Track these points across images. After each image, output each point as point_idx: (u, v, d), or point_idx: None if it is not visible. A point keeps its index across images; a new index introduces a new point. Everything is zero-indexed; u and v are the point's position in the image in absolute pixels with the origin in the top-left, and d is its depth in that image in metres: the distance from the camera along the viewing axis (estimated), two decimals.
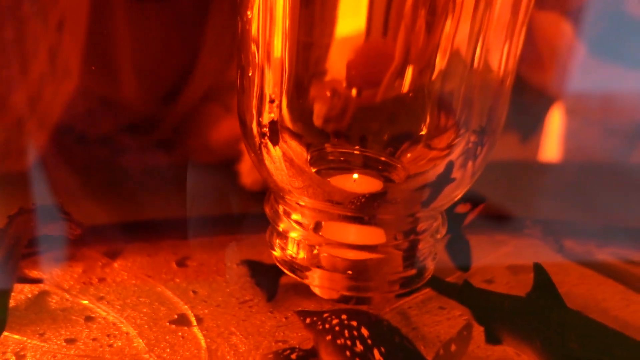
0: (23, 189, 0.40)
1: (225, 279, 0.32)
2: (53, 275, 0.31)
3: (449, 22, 0.22)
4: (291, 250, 0.27)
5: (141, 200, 0.43)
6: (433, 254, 0.27)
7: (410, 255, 0.25)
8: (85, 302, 0.29)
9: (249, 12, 0.23)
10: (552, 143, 0.61)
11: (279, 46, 0.23)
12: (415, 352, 0.21)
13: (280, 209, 0.27)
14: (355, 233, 0.24)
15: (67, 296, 0.29)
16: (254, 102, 0.24)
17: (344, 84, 0.23)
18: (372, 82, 0.23)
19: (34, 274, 0.31)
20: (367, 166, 0.24)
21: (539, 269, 0.24)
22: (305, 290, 0.29)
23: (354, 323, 0.22)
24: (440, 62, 0.22)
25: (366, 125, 0.24)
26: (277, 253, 0.28)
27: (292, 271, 0.27)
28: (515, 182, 0.46)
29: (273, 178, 0.26)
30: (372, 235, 0.24)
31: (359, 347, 0.21)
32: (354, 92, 0.23)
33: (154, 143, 0.60)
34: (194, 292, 0.30)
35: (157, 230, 0.37)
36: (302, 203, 0.25)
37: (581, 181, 0.44)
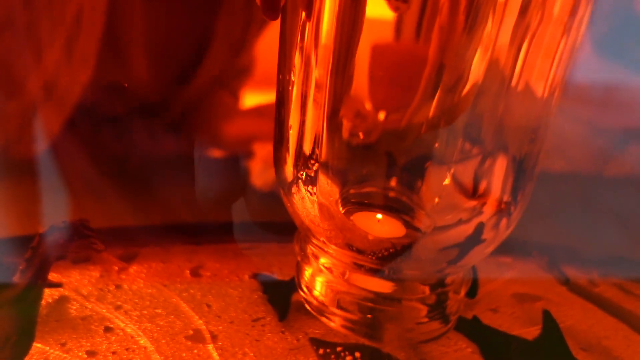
0: (33, 176, 0.41)
1: (237, 293, 0.33)
2: (71, 280, 0.32)
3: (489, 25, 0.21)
4: (318, 291, 0.27)
5: (152, 195, 0.44)
6: (458, 305, 0.27)
7: (435, 307, 0.26)
8: (103, 310, 0.30)
9: (290, 76, 0.23)
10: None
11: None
12: None
13: (309, 249, 0.28)
14: (380, 284, 0.25)
15: (87, 304, 0.30)
16: (291, 153, 0.25)
17: (372, 106, 0.23)
18: (400, 101, 0.23)
19: (53, 277, 0.32)
20: (391, 209, 0.24)
21: (547, 317, 0.25)
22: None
23: (358, 354, 0.23)
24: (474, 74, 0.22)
25: (393, 146, 0.24)
26: (303, 293, 0.29)
27: (319, 313, 0.28)
28: None
29: (301, 219, 0.26)
30: (396, 286, 0.25)
31: None
32: (381, 115, 0.23)
33: (164, 127, 0.60)
34: (208, 305, 0.31)
35: (170, 235, 0.38)
36: (330, 251, 0.26)
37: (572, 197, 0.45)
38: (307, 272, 0.28)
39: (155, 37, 0.54)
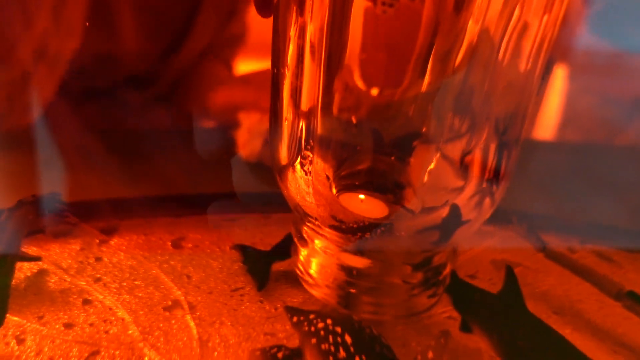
0: (26, 148, 0.41)
1: (218, 264, 0.33)
2: (51, 253, 0.32)
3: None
4: (312, 270, 0.28)
5: (136, 168, 0.43)
6: (442, 284, 0.28)
7: (418, 286, 0.26)
8: (82, 283, 0.30)
9: (284, 69, 0.23)
10: (550, 111, 0.61)
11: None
12: (381, 344, 0.23)
13: (304, 231, 0.28)
14: (366, 263, 0.25)
15: (66, 277, 0.30)
16: (285, 139, 0.25)
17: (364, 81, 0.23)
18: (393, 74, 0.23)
19: (32, 251, 0.32)
20: (382, 189, 0.25)
21: (509, 272, 0.26)
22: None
23: (339, 329, 0.23)
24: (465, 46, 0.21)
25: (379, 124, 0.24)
26: (299, 272, 0.29)
27: (309, 286, 0.28)
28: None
29: (296, 201, 0.26)
30: (382, 266, 0.25)
31: (342, 353, 0.23)
32: (373, 90, 0.23)
33: (153, 98, 0.59)
34: (188, 276, 0.32)
35: (153, 207, 0.38)
36: (324, 233, 0.26)
37: (571, 171, 0.45)
38: (303, 252, 0.28)
39: (144, 4, 0.53)
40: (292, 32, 0.24)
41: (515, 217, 0.35)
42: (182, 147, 0.48)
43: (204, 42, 0.59)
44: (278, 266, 0.32)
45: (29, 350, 0.25)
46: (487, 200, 0.26)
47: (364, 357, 0.22)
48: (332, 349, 0.23)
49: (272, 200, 0.34)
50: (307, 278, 0.29)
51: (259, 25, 0.61)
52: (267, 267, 0.32)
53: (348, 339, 0.23)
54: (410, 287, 0.26)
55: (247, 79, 0.60)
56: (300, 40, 0.24)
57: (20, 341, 0.26)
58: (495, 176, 0.25)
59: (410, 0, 0.21)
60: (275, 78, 0.26)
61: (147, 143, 0.48)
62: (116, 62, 0.55)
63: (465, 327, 0.27)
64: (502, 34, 0.22)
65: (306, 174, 0.25)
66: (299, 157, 0.25)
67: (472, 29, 0.21)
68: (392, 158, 0.25)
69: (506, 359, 0.24)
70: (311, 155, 0.25)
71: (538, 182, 0.43)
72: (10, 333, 0.26)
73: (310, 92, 0.24)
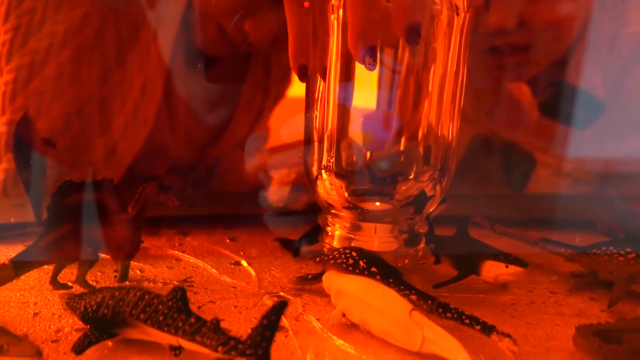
0: None
1: (264, 248, 0.47)
2: (148, 243, 0.46)
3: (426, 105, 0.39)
4: (334, 242, 0.43)
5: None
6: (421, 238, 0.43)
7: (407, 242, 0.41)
8: (173, 251, 0.44)
9: (315, 112, 0.41)
10: None
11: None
12: (385, 262, 0.36)
13: (329, 219, 0.43)
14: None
15: (161, 250, 0.44)
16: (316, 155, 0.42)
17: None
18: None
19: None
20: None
21: (461, 221, 0.40)
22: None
23: (347, 251, 0.37)
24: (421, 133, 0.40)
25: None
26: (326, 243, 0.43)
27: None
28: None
29: (323, 200, 0.42)
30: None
31: (350, 260, 0.36)
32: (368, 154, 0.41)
33: (193, 182, 0.75)
34: (243, 252, 0.45)
35: (215, 222, 0.53)
36: (342, 214, 0.42)
37: None
38: (328, 230, 0.43)
39: (193, 108, 0.70)
40: (317, 95, 0.41)
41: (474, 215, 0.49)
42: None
43: (237, 138, 0.76)
44: (305, 248, 0.46)
45: (148, 277, 0.39)
46: (438, 187, 0.42)
47: (365, 260, 0.36)
48: (344, 259, 0.36)
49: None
50: (328, 247, 0.42)
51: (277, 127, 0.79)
52: (298, 245, 0.46)
53: (354, 253, 0.36)
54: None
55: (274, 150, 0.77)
56: (322, 104, 0.41)
57: (142, 271, 0.39)
58: (441, 175, 0.42)
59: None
60: (307, 121, 0.43)
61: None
62: (167, 152, 0.71)
63: (437, 260, 0.41)
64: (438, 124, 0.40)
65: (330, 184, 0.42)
66: (322, 175, 0.42)
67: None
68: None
69: (457, 268, 0.38)
70: (330, 174, 0.41)
71: None
72: (133, 268, 0.40)
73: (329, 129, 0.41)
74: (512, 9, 0.52)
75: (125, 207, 0.38)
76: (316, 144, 0.42)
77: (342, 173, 0.42)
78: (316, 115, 0.42)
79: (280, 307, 0.25)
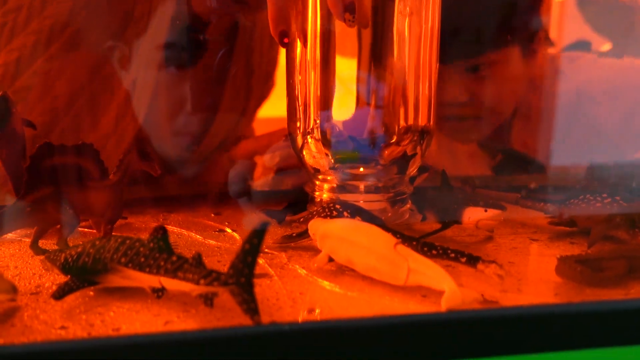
0: None
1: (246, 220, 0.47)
2: (132, 219, 0.46)
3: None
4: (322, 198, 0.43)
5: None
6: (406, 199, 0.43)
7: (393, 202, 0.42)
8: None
9: (297, 78, 0.42)
10: None
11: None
12: (369, 212, 0.36)
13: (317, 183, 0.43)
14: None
15: (144, 225, 0.44)
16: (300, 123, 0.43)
17: None
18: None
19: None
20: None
21: (443, 173, 0.40)
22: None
23: (331, 204, 0.37)
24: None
25: None
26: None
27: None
28: None
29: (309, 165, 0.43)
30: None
31: (334, 212, 0.36)
32: None
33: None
34: (228, 222, 0.45)
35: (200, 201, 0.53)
36: (329, 178, 0.42)
37: None
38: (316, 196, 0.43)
39: (177, 111, 0.70)
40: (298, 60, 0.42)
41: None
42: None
43: (219, 139, 0.76)
44: (290, 218, 0.46)
45: None
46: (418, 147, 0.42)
47: (349, 210, 0.36)
48: (328, 212, 0.36)
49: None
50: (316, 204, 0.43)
51: (262, 129, 0.79)
52: (284, 214, 0.46)
53: (338, 206, 0.37)
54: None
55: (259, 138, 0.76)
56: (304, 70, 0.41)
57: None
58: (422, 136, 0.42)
59: None
60: (289, 89, 0.43)
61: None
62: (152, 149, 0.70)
63: (423, 217, 0.41)
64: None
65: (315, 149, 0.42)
66: (307, 142, 0.42)
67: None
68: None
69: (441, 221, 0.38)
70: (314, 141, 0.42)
71: None
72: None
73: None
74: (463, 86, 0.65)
75: (107, 174, 0.38)
76: (299, 110, 0.43)
77: (327, 140, 0.42)
78: (298, 82, 0.42)
79: (261, 230, 0.25)
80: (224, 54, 0.68)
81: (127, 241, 0.29)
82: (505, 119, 0.71)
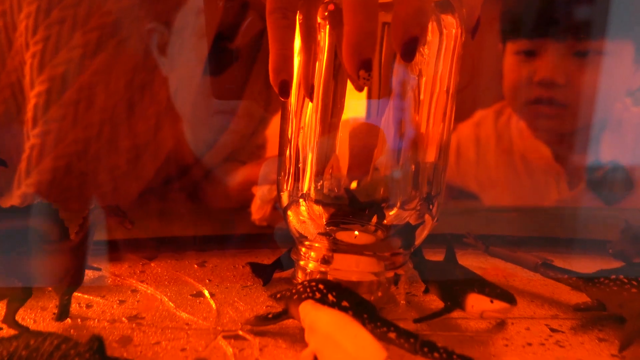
0: None
1: (232, 274, 0.42)
2: (107, 267, 0.42)
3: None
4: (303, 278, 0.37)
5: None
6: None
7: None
8: (132, 281, 0.40)
9: (289, 128, 0.37)
10: None
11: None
12: (357, 295, 0.31)
13: (303, 250, 0.38)
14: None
15: (119, 279, 0.40)
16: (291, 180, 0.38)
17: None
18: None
19: (94, 264, 0.42)
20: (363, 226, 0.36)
21: (449, 244, 0.35)
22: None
23: (313, 283, 0.32)
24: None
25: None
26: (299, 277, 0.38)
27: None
28: None
29: (297, 229, 0.37)
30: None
31: (317, 294, 0.31)
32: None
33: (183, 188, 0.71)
34: (209, 280, 0.41)
35: (184, 244, 0.49)
36: (317, 245, 0.37)
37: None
38: (301, 265, 0.38)
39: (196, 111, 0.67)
40: (293, 126, 0.37)
41: (467, 233, 0.44)
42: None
43: (230, 148, 0.72)
44: (278, 274, 0.42)
45: (94, 314, 0.35)
46: (427, 215, 0.37)
47: (334, 293, 0.31)
48: (310, 293, 0.32)
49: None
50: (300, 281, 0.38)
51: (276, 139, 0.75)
52: (271, 272, 0.41)
53: (321, 286, 0.32)
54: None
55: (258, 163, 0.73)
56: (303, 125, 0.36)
57: (88, 307, 0.35)
58: (429, 201, 0.37)
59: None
60: (282, 144, 0.38)
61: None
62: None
63: (425, 290, 0.36)
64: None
65: (306, 209, 0.37)
66: (299, 201, 0.37)
67: None
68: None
69: (444, 300, 0.33)
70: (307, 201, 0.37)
71: None
72: (81, 303, 0.36)
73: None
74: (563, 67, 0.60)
75: (67, 235, 0.34)
76: (288, 165, 0.37)
77: (322, 200, 0.37)
78: (291, 135, 0.37)
79: None
80: (246, 63, 0.66)
81: (63, 346, 0.25)
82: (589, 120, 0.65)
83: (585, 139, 0.67)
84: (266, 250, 0.49)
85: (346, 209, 0.37)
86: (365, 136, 0.36)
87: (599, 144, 0.67)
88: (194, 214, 0.55)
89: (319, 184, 0.36)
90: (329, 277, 0.36)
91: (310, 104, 0.35)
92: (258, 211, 0.58)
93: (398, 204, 0.36)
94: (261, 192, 0.59)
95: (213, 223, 0.54)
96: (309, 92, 0.34)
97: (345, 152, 0.36)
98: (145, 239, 0.49)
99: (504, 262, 0.41)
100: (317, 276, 0.37)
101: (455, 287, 0.33)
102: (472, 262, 0.44)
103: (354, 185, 0.36)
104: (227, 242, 0.50)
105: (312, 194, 0.36)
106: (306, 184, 0.37)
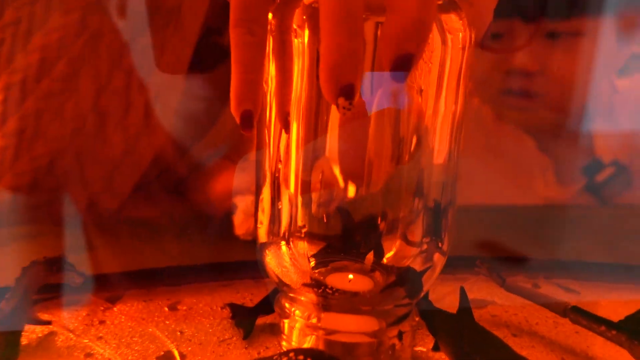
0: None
1: (209, 321, 0.36)
2: (61, 318, 0.36)
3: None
4: (295, 340, 0.31)
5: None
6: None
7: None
8: (86, 341, 0.34)
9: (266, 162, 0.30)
10: None
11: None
12: None
13: (287, 305, 0.31)
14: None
15: (72, 336, 0.34)
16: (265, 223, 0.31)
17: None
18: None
19: (44, 317, 0.36)
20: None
21: (463, 293, 0.29)
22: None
23: (292, 354, 0.26)
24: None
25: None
26: (284, 343, 0.32)
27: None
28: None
29: (280, 277, 0.31)
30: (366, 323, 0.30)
31: None
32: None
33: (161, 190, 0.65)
34: (181, 332, 0.35)
35: (154, 278, 0.42)
36: (302, 299, 0.30)
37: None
38: (286, 324, 0.31)
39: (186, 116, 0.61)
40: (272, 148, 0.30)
41: (479, 261, 0.38)
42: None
43: (220, 141, 0.66)
44: (263, 319, 0.36)
45: None
46: (437, 254, 0.30)
47: None
48: None
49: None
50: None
51: None
52: (252, 319, 0.35)
53: (302, 358, 0.26)
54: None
55: (243, 166, 0.66)
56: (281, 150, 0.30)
57: None
58: (438, 236, 0.30)
59: None
60: (257, 182, 0.32)
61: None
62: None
63: (435, 346, 0.30)
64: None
65: (289, 251, 0.30)
66: (280, 239, 0.30)
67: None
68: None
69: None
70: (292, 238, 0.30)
71: None
72: None
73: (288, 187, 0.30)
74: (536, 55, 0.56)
75: None
76: (266, 204, 0.31)
77: (309, 233, 0.30)
78: (268, 168, 0.30)
79: None
80: None
81: None
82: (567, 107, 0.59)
83: (571, 129, 0.61)
84: (248, 280, 0.43)
85: (337, 244, 0.31)
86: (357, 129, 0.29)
87: (590, 136, 0.61)
88: (170, 241, 0.48)
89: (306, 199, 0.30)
90: (320, 339, 0.30)
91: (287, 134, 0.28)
92: (242, 225, 0.51)
93: (399, 235, 0.30)
94: (244, 205, 0.53)
95: (191, 249, 0.48)
96: (284, 124, 0.28)
97: (335, 153, 0.29)
98: (112, 273, 0.42)
99: (523, 299, 0.35)
100: (306, 334, 0.31)
101: (466, 349, 0.27)
102: (485, 293, 0.38)
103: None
104: (203, 273, 0.44)
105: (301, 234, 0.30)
106: (284, 223, 0.30)
